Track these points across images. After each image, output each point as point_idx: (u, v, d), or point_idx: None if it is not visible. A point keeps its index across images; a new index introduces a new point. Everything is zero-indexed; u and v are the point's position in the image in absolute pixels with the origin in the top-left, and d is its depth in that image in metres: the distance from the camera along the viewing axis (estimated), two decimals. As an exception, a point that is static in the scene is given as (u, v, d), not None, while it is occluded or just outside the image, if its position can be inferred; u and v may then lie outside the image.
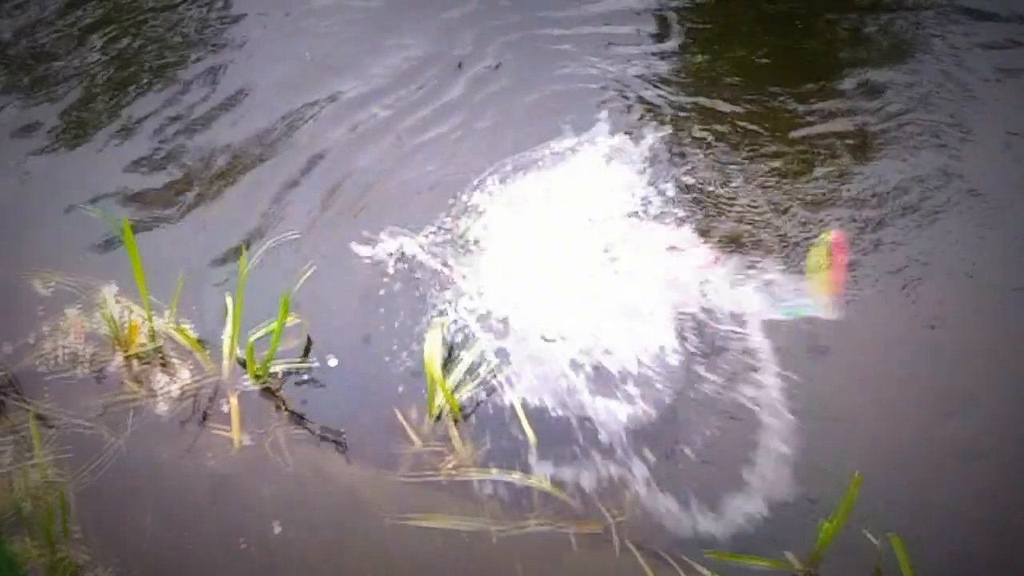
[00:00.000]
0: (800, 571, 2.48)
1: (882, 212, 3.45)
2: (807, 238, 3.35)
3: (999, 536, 2.59)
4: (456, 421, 2.84)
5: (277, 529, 2.60)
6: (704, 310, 3.12)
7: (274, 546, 2.56)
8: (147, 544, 2.55)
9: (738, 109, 3.94)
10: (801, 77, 4.11)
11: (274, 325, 2.87)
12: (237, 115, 4.05)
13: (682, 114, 3.95)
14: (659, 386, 2.92)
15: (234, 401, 2.89)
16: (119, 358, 3.01)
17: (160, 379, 2.97)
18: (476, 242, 3.40)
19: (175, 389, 2.95)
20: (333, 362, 3.04)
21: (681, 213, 3.46)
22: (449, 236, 3.42)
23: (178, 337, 3.01)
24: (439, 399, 2.84)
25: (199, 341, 3.04)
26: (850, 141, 3.77)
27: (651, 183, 3.58)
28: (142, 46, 4.44)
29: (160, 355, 3.04)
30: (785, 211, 3.47)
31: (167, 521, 2.61)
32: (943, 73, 4.04)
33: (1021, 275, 3.25)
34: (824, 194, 3.54)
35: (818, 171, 3.64)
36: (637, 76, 4.16)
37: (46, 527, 2.33)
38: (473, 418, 2.87)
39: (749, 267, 3.21)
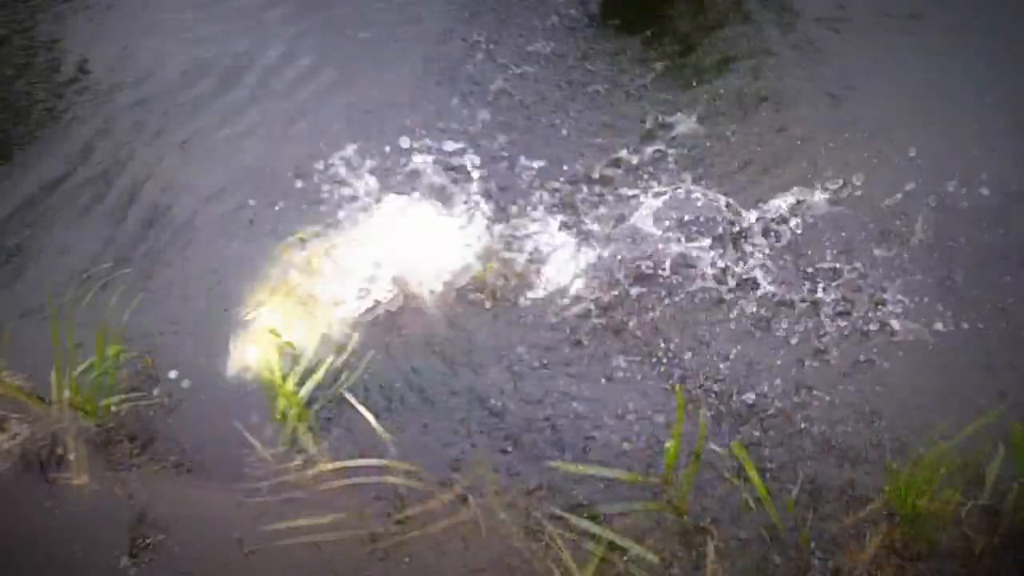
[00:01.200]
0: (659, 485, 2.67)
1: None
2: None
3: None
4: (303, 425, 2.91)
5: (132, 566, 2.64)
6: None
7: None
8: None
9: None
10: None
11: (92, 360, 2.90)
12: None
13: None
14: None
15: (73, 445, 2.88)
16: (-57, 422, 2.97)
17: (-5, 437, 2.95)
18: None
19: (15, 442, 2.92)
20: (185, 383, 3.10)
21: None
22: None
23: (2, 391, 2.98)
24: (282, 405, 2.92)
25: (29, 392, 3.00)
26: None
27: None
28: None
29: (-8, 411, 3.01)
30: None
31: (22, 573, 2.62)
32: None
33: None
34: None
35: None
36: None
37: None
38: (319, 419, 2.97)
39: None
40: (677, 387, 2.52)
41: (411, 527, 2.64)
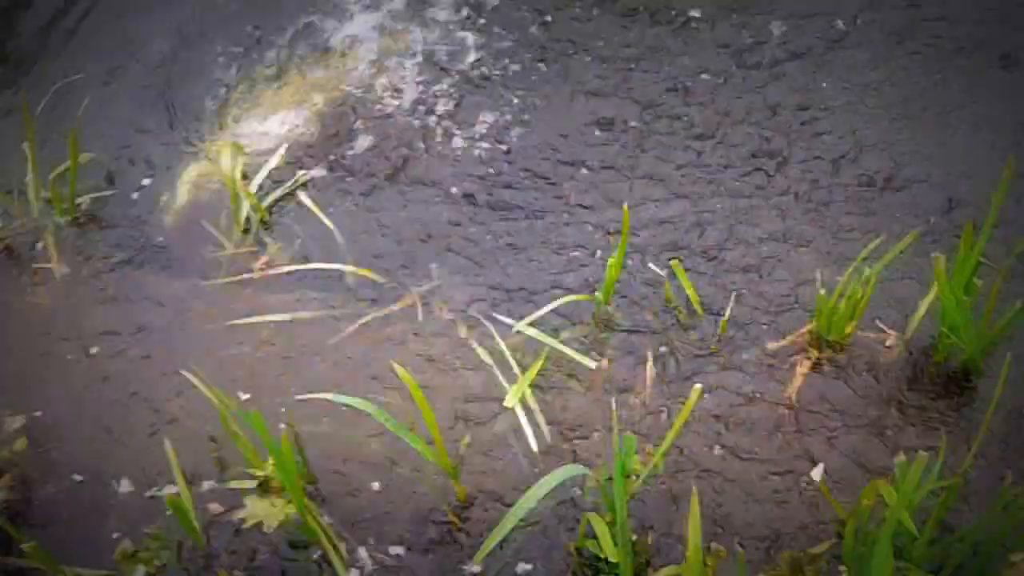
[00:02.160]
0: (599, 303, 2.82)
1: None
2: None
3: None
4: (263, 223, 3.08)
5: (109, 344, 2.83)
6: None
7: (110, 357, 2.80)
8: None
9: None
10: None
11: (73, 162, 3.02)
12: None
13: None
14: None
15: (47, 236, 3.05)
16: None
17: (-31, 228, 3.10)
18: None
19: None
20: (146, 182, 3.26)
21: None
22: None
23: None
24: (245, 207, 3.06)
25: (5, 192, 3.16)
26: None
27: None
28: None
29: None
30: None
31: (5, 356, 2.82)
32: None
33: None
34: None
35: None
36: None
37: None
38: (278, 217, 3.12)
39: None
40: (625, 207, 2.63)
41: (360, 320, 2.83)
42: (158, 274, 3.00)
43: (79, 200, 3.13)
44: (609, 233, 3.03)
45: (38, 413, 2.66)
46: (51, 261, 3.00)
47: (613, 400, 2.61)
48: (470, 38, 3.63)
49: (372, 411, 2.28)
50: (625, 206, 2.64)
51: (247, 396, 2.66)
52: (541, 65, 3.53)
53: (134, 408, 2.67)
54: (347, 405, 2.31)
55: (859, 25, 3.58)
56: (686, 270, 2.81)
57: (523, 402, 2.55)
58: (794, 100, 3.36)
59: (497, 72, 3.51)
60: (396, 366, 2.26)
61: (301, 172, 3.22)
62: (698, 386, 2.16)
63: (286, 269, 2.95)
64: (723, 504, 2.40)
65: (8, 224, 3.10)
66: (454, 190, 3.18)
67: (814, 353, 2.69)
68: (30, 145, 3.05)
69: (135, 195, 3.23)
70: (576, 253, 2.99)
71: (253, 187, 3.12)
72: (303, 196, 3.15)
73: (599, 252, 2.98)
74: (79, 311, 2.91)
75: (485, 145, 3.29)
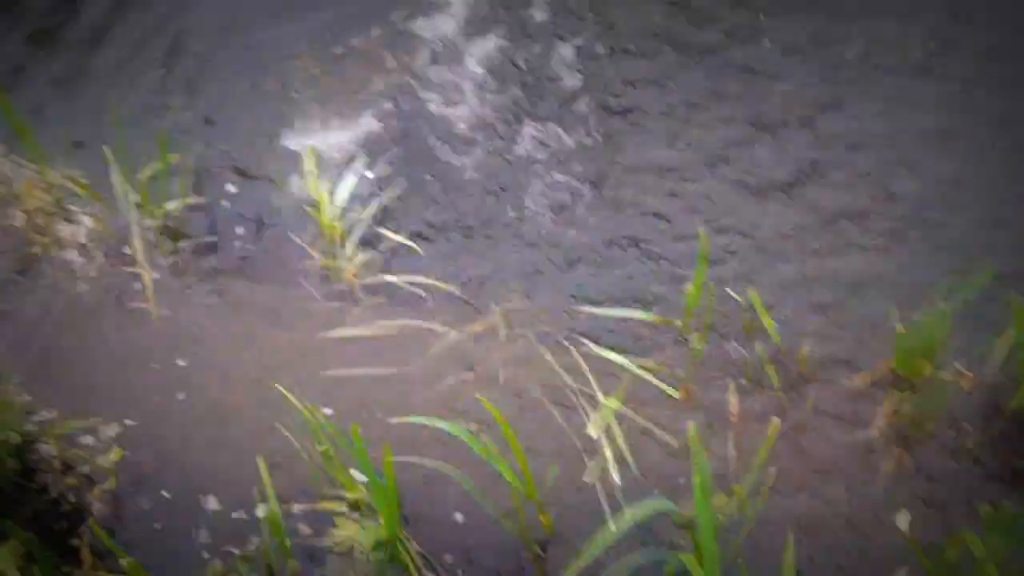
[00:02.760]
0: (680, 327, 2.83)
1: None
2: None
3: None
4: (350, 238, 3.10)
5: (200, 349, 2.88)
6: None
7: (200, 367, 2.85)
8: (84, 381, 2.81)
9: None
10: None
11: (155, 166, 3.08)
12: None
13: None
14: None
15: (137, 241, 3.08)
16: (19, 214, 3.15)
17: (65, 229, 3.14)
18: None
19: (81, 236, 3.13)
20: (232, 189, 3.30)
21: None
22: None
23: (74, 187, 3.14)
24: (332, 220, 3.09)
25: (94, 190, 3.19)
26: None
27: None
28: None
29: (60, 207, 3.19)
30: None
31: (95, 358, 2.87)
32: None
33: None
34: None
35: None
36: None
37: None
38: (362, 234, 3.13)
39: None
40: (702, 232, 2.63)
41: (446, 339, 2.85)
42: (247, 283, 3.05)
43: (169, 205, 3.16)
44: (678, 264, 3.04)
45: (129, 422, 2.72)
46: (140, 266, 3.04)
47: (695, 432, 2.62)
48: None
49: (464, 437, 2.29)
50: (702, 232, 2.64)
51: (330, 411, 2.69)
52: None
53: (222, 421, 2.72)
54: (437, 429, 2.34)
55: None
56: (765, 304, 2.80)
57: (606, 430, 2.56)
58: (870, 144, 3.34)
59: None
60: (482, 399, 2.28)
61: (386, 187, 3.23)
62: (775, 421, 2.17)
63: (372, 282, 2.98)
64: (807, 544, 2.41)
65: (97, 227, 3.14)
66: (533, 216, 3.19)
67: (893, 392, 2.68)
68: (120, 145, 3.08)
69: (224, 202, 3.27)
70: (656, 280, 3.00)
71: (340, 200, 3.14)
72: (387, 210, 3.17)
73: (677, 280, 2.98)
74: (168, 319, 2.96)
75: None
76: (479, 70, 3.65)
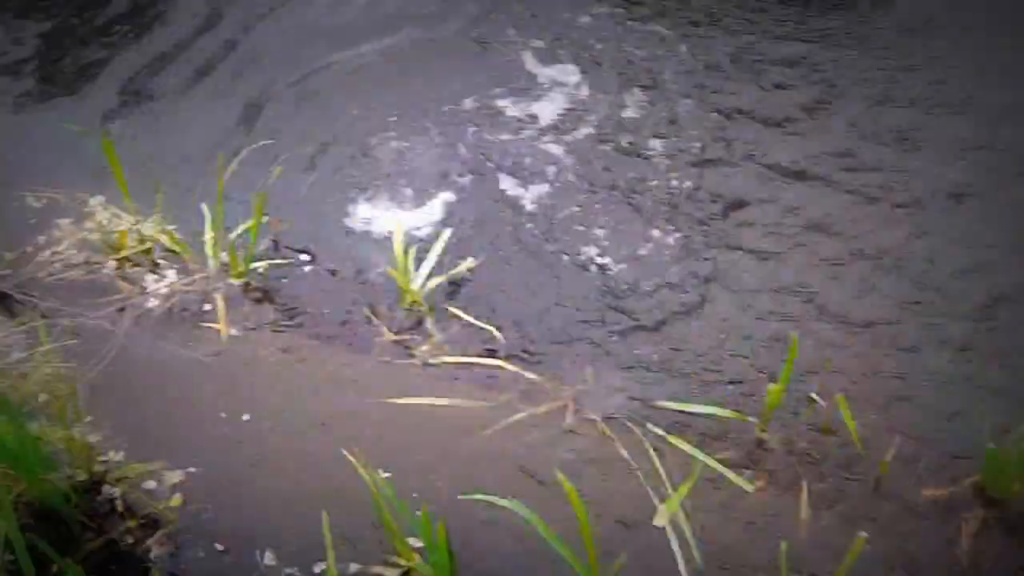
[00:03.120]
0: (757, 426, 2.76)
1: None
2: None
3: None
4: (427, 314, 3.12)
5: (267, 407, 2.88)
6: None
7: (266, 421, 2.84)
8: (151, 426, 2.82)
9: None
10: None
11: (248, 224, 3.15)
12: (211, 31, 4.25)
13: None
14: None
15: (219, 298, 3.14)
16: (111, 262, 3.25)
17: (151, 279, 3.22)
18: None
19: (165, 288, 3.20)
20: (306, 258, 3.34)
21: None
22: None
23: (165, 240, 3.24)
24: (406, 290, 3.13)
25: (184, 243, 3.28)
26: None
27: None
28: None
29: (149, 258, 3.29)
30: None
31: (167, 405, 2.89)
32: None
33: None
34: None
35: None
36: None
37: (60, 412, 2.60)
38: (441, 308, 3.15)
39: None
40: (794, 336, 2.59)
41: (513, 417, 2.81)
42: (321, 346, 3.06)
43: (255, 265, 3.23)
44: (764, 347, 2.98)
45: (192, 469, 2.71)
46: (219, 322, 3.09)
47: (769, 532, 2.53)
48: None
49: (527, 516, 2.25)
50: (795, 335, 2.58)
51: (387, 474, 2.64)
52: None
53: (282, 476, 2.70)
54: (498, 504, 2.29)
55: None
56: (847, 399, 2.70)
57: (674, 521, 2.47)
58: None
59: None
60: (559, 474, 2.23)
61: (462, 259, 3.26)
62: (862, 535, 2.07)
63: (446, 359, 2.98)
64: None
65: (183, 280, 3.21)
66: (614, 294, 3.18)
67: (979, 511, 2.55)
68: (219, 204, 3.16)
69: (307, 268, 3.33)
70: (736, 369, 2.93)
71: (420, 272, 3.17)
72: (463, 285, 3.20)
73: (760, 371, 2.92)
74: (239, 374, 2.98)
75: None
76: (565, 157, 3.71)
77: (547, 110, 3.92)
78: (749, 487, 2.57)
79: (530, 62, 4.12)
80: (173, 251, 3.28)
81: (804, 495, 2.59)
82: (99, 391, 2.86)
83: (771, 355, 2.99)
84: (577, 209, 3.52)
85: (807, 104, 3.87)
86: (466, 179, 3.65)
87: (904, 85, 3.94)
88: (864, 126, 3.77)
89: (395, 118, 3.92)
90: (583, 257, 3.35)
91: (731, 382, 2.96)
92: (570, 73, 4.07)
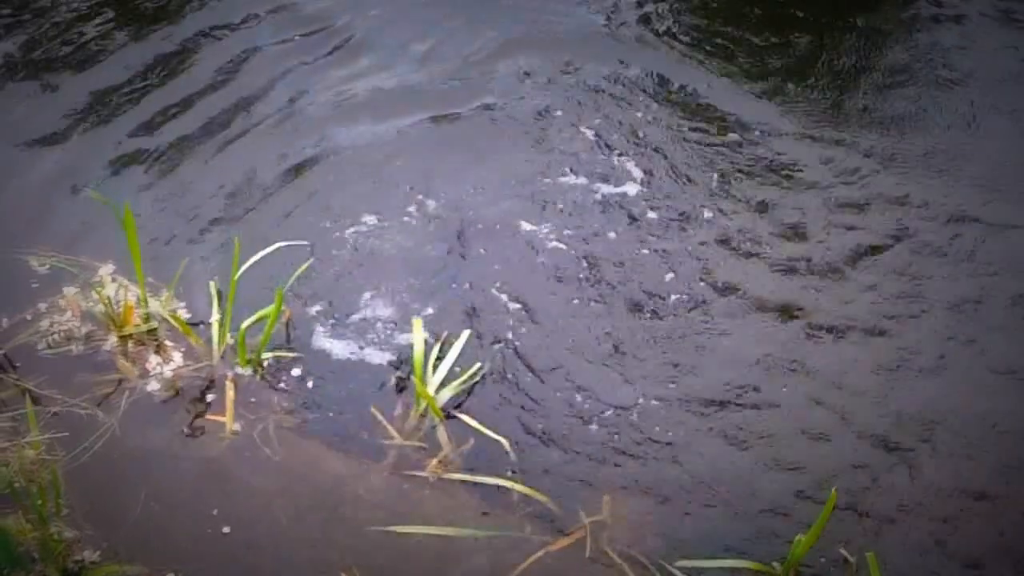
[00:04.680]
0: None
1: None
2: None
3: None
4: (439, 421, 2.92)
5: (263, 516, 2.69)
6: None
7: (259, 532, 2.65)
8: (135, 524, 2.64)
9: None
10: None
11: (264, 312, 2.99)
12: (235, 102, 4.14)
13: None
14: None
15: (227, 387, 2.97)
16: (114, 338, 3.09)
17: (154, 361, 3.05)
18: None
19: (168, 372, 3.03)
20: (320, 351, 3.15)
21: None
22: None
23: (172, 321, 3.07)
24: (419, 396, 2.93)
25: (192, 325, 3.11)
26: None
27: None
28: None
29: (154, 337, 3.12)
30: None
31: (156, 503, 2.70)
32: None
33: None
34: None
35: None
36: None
37: (39, 504, 2.41)
38: (457, 418, 2.94)
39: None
40: (834, 492, 2.40)
41: (523, 542, 2.63)
42: (328, 449, 2.87)
43: (266, 355, 3.06)
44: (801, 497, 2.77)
45: (167, 567, 2.53)
46: (224, 414, 2.91)
47: None
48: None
49: None
50: (834, 491, 2.40)
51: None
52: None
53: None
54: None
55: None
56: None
57: None
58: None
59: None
60: None
61: (477, 365, 3.08)
62: None
63: (456, 477, 2.79)
64: None
65: (188, 364, 3.04)
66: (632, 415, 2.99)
67: None
68: (231, 291, 3.00)
69: (317, 362, 3.12)
70: (764, 516, 2.73)
71: (434, 379, 2.98)
72: (477, 396, 3.02)
73: (788, 516, 2.72)
74: (239, 479, 2.79)
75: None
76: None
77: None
78: None
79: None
80: (181, 333, 3.10)
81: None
82: (82, 483, 2.69)
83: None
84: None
85: None
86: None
87: None
88: None
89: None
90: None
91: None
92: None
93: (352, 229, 3.57)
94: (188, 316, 3.19)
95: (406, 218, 3.62)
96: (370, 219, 3.61)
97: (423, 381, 2.93)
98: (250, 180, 3.76)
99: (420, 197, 3.70)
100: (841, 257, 3.47)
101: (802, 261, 3.47)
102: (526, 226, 3.59)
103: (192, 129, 3.98)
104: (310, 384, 3.05)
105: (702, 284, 3.38)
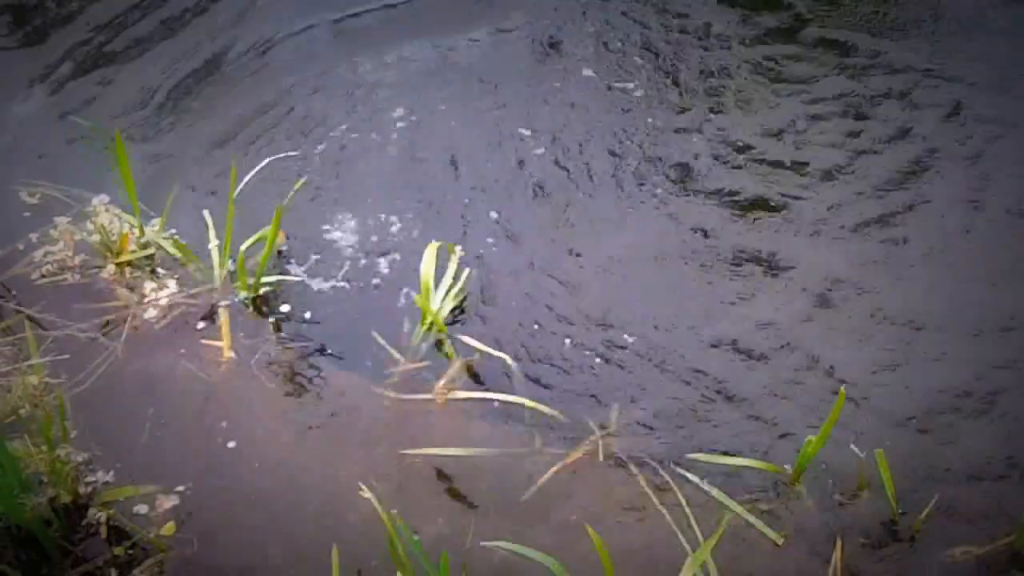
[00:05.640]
0: (786, 478, 2.60)
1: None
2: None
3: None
4: (445, 340, 2.92)
5: (269, 437, 2.70)
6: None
7: (267, 452, 2.66)
8: (143, 446, 2.64)
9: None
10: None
11: (262, 233, 2.97)
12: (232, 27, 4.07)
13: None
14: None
15: (224, 312, 2.96)
16: (110, 267, 3.06)
17: (151, 288, 3.03)
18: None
19: (166, 298, 3.00)
20: (319, 278, 3.14)
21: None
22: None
23: (169, 247, 3.05)
24: (429, 319, 2.93)
25: (188, 250, 3.08)
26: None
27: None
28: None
29: (151, 264, 3.10)
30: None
31: (162, 425, 2.70)
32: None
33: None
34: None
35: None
36: None
37: (45, 429, 2.41)
38: (457, 339, 2.94)
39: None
40: (842, 391, 2.43)
41: (534, 455, 2.65)
42: (331, 374, 2.87)
43: (265, 279, 3.03)
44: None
45: (186, 495, 2.54)
46: (222, 339, 2.89)
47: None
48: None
49: (555, 570, 2.12)
50: (843, 390, 2.43)
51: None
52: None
53: (281, 510, 2.53)
54: (526, 557, 2.15)
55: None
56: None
57: (704, 569, 2.34)
58: None
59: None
60: (589, 528, 2.10)
61: (466, 272, 3.08)
62: None
63: (462, 396, 2.79)
64: None
65: (185, 290, 3.02)
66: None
67: (1017, 573, 2.42)
68: (229, 212, 2.96)
69: (319, 285, 3.11)
70: (774, 419, 2.77)
71: (436, 300, 2.97)
72: (474, 318, 3.03)
73: (798, 420, 2.76)
74: (243, 400, 2.78)
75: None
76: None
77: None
78: (779, 539, 2.47)
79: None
80: (177, 258, 3.07)
81: (837, 550, 2.45)
82: (88, 407, 2.68)
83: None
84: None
85: None
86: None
87: None
88: None
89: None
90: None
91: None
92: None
93: (338, 147, 3.55)
94: (184, 241, 3.14)
95: (395, 135, 3.59)
96: (353, 136, 3.59)
97: (429, 301, 2.93)
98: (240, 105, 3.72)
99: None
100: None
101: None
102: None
103: (178, 54, 3.93)
104: (307, 310, 3.03)
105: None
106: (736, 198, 3.37)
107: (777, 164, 3.47)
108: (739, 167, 3.48)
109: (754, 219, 3.30)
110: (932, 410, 2.78)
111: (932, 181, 3.39)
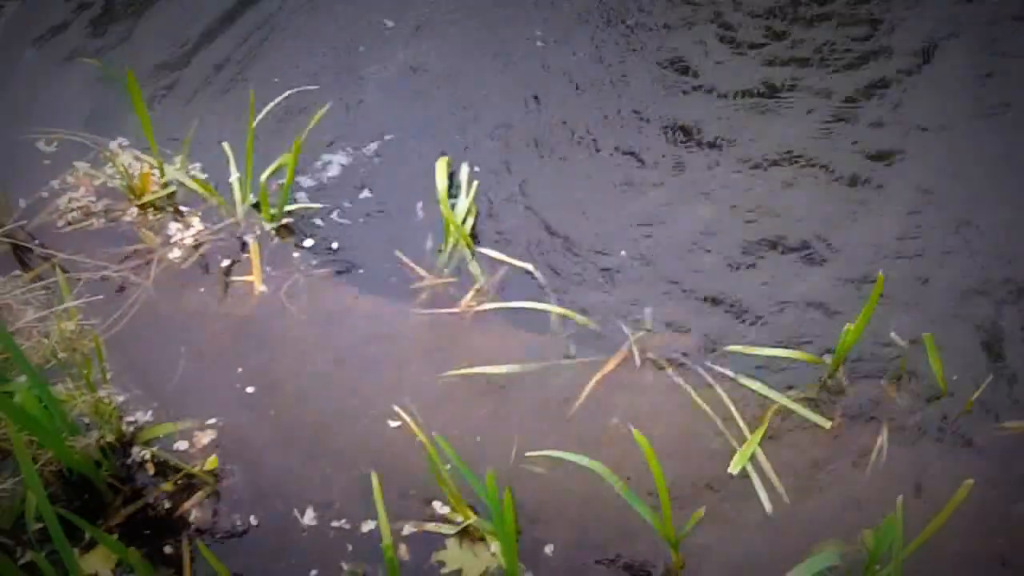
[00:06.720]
0: (827, 369, 2.57)
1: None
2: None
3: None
4: (469, 253, 2.90)
5: (303, 367, 2.69)
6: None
7: (303, 382, 2.67)
8: (178, 383, 2.66)
9: None
10: None
11: (282, 160, 2.94)
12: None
13: None
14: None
15: (252, 244, 2.95)
16: (133, 209, 3.05)
17: (176, 227, 3.01)
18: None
19: (192, 236, 2.99)
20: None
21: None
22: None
23: (191, 183, 3.02)
24: (450, 231, 2.91)
25: (210, 186, 3.06)
26: None
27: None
28: None
29: (174, 203, 3.08)
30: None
31: (195, 362, 2.71)
32: None
33: None
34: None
35: None
36: None
37: (86, 372, 2.43)
38: (485, 250, 2.92)
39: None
40: (880, 275, 2.36)
41: (569, 364, 2.64)
42: (362, 297, 2.85)
43: (290, 208, 3.02)
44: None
45: (225, 427, 2.56)
46: (251, 272, 2.88)
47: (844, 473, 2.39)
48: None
49: (602, 472, 2.14)
50: (880, 274, 2.36)
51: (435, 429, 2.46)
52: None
53: (319, 431, 2.55)
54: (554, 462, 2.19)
55: None
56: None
57: (754, 462, 2.37)
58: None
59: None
60: (633, 429, 2.09)
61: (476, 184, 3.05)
62: (969, 481, 1.90)
63: (492, 307, 2.76)
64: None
65: (210, 227, 3.01)
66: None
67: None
68: (250, 141, 2.92)
69: (338, 214, 3.08)
70: (811, 309, 2.72)
71: (458, 211, 2.94)
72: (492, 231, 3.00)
73: (836, 310, 2.71)
74: (277, 332, 2.78)
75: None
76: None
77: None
78: (826, 424, 2.46)
79: None
80: (199, 195, 3.05)
81: (881, 438, 2.44)
82: (123, 348, 2.70)
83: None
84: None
85: None
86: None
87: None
88: None
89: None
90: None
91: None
92: None
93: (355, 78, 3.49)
94: (205, 178, 3.13)
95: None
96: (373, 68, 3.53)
97: (452, 214, 2.89)
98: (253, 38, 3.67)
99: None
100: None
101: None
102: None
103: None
104: (333, 238, 3.01)
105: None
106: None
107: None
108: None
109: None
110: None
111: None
